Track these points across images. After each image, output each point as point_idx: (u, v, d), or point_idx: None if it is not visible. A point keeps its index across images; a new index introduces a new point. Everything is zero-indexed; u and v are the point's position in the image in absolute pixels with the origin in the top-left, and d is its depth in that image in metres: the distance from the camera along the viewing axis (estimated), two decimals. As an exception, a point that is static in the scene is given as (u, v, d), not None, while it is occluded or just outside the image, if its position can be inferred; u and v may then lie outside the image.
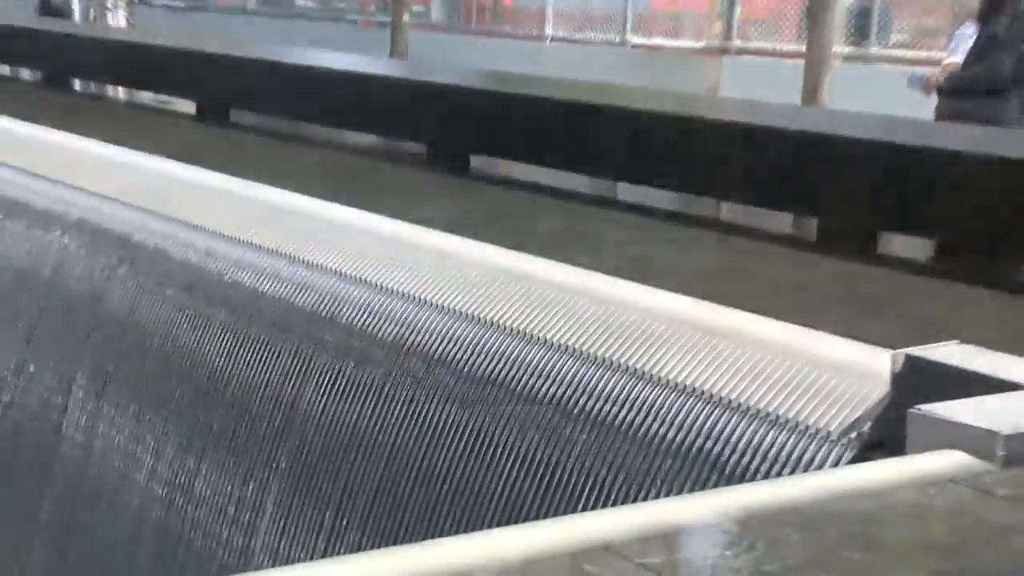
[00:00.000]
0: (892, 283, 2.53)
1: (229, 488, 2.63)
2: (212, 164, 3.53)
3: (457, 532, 2.12)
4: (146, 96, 5.79)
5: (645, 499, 1.93)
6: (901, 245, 2.89)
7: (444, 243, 2.63)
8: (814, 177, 2.94)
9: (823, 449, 1.79)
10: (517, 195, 3.52)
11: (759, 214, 3.21)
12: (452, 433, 2.23)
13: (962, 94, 5.95)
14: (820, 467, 1.77)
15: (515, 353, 2.21)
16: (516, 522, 2.06)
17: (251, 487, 2.58)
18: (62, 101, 5.75)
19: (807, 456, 1.80)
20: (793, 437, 1.83)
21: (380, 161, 4.18)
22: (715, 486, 1.86)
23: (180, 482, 2.80)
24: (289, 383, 2.61)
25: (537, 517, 2.04)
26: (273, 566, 2.40)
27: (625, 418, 2.02)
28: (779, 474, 1.81)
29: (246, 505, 2.58)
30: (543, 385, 2.16)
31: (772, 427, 1.85)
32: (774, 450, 1.83)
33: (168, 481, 2.84)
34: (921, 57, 8.80)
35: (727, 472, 1.87)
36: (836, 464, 1.76)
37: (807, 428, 1.82)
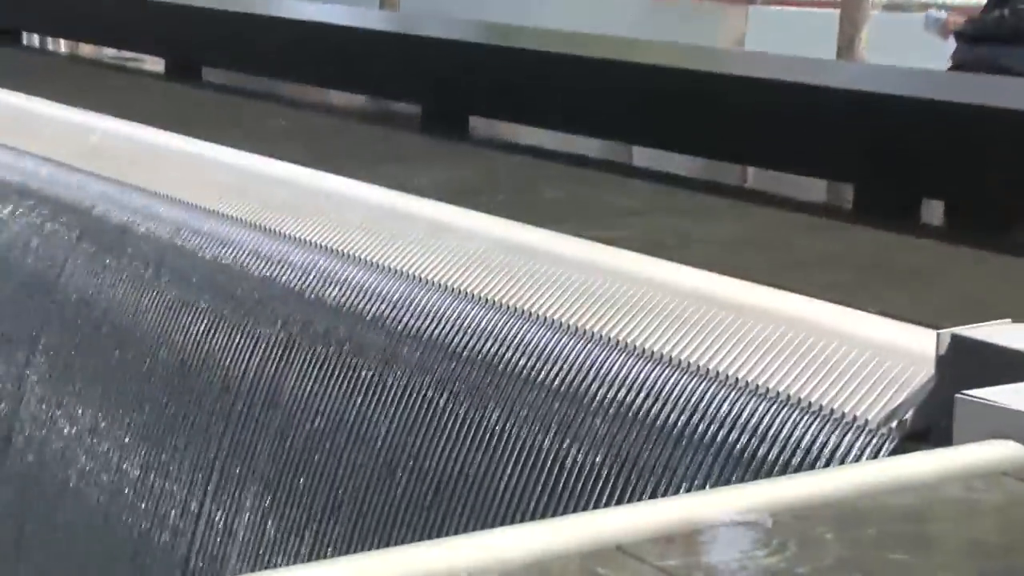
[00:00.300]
0: (938, 255, 2.53)
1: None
2: (180, 128, 3.52)
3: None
4: (108, 53, 5.78)
5: (661, 496, 1.93)
6: (949, 213, 2.88)
7: (435, 212, 2.65)
8: (852, 140, 2.93)
9: (860, 439, 1.79)
10: (521, 161, 3.52)
11: (789, 181, 3.20)
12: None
13: (982, 40, 5.91)
14: (857, 459, 1.77)
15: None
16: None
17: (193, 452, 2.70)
18: (7, 57, 5.73)
19: (842, 447, 1.80)
20: (827, 426, 1.83)
21: (369, 124, 4.18)
22: (740, 481, 1.86)
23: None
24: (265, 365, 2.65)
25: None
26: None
27: (639, 405, 2.03)
28: (811, 467, 1.81)
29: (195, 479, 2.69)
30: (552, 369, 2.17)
31: (803, 415, 1.85)
32: (806, 440, 1.84)
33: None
34: (969, 4, 8.77)
35: (753, 466, 1.87)
36: (875, 456, 1.76)
37: (842, 416, 1.82)
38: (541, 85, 3.62)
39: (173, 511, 2.74)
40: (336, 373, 2.51)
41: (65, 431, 3.15)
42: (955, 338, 1.74)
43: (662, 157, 3.47)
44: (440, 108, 3.97)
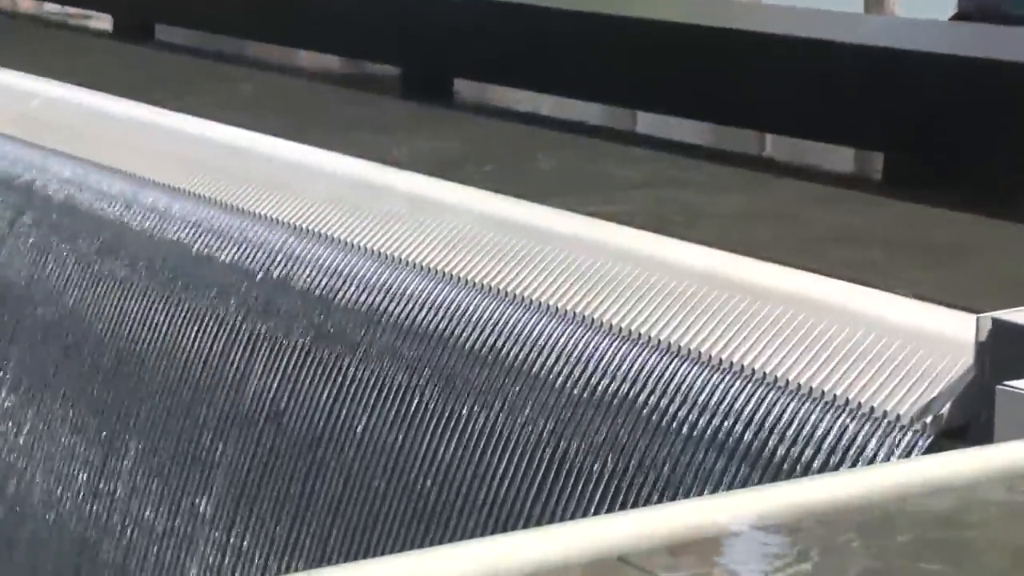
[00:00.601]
0: (976, 230, 2.52)
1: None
2: (130, 94, 3.51)
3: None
4: (50, 9, 5.76)
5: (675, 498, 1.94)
6: (987, 184, 2.88)
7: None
8: (882, 103, 2.93)
9: (890, 436, 1.79)
10: (512, 128, 3.51)
11: (813, 150, 3.20)
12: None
13: None
14: (887, 458, 1.77)
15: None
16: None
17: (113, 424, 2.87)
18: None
19: (870, 445, 1.80)
20: (853, 422, 1.83)
21: (343, 88, 4.17)
22: (757, 482, 1.86)
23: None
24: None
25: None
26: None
27: (644, 399, 2.03)
28: (836, 467, 1.81)
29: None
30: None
31: (828, 410, 1.85)
32: (831, 438, 1.83)
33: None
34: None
35: (772, 466, 1.87)
36: (907, 454, 1.76)
37: (870, 411, 1.82)
38: (534, 44, 3.61)
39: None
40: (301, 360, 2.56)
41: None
42: (996, 323, 1.74)
43: (669, 123, 3.46)
44: (422, 70, 3.97)
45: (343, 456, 2.41)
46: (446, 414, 2.28)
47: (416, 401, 2.33)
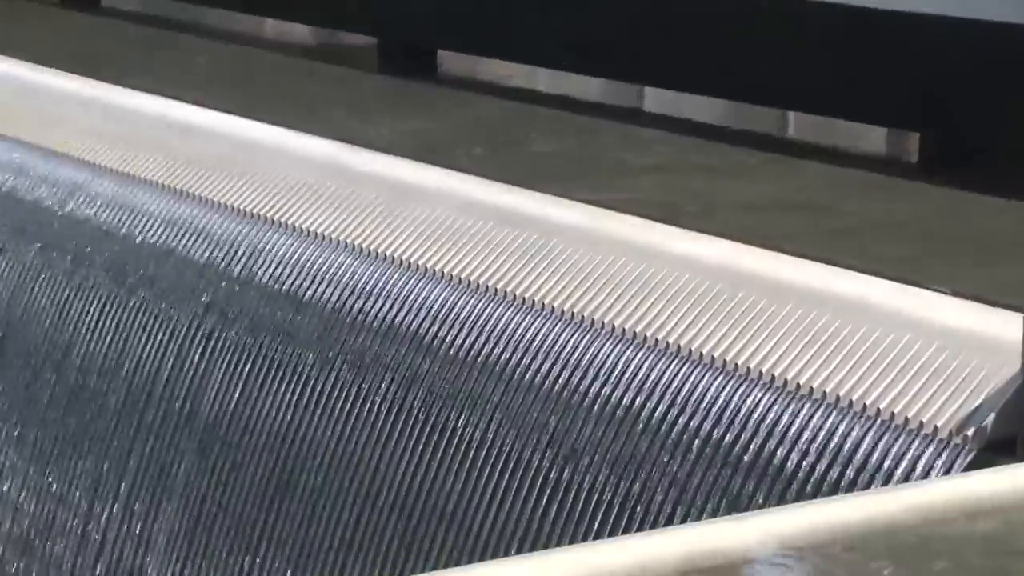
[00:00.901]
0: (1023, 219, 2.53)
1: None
2: (75, 68, 3.51)
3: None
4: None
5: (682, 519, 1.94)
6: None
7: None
8: (918, 76, 2.93)
9: (928, 451, 1.79)
10: (503, 107, 3.52)
11: (841, 129, 3.20)
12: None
13: None
14: (924, 476, 1.77)
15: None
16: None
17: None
18: None
19: (906, 460, 1.80)
20: (887, 435, 1.82)
21: (314, 61, 4.16)
22: (777, 502, 1.86)
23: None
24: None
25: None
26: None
27: (651, 409, 2.04)
28: (867, 486, 1.81)
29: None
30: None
31: (857, 421, 1.85)
32: (860, 453, 1.83)
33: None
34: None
35: (794, 483, 1.87)
36: (946, 471, 1.76)
37: (906, 423, 1.82)
38: (529, 11, 3.61)
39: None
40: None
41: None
42: (1047, 323, 1.75)
43: (681, 101, 3.46)
44: (401, 41, 3.96)
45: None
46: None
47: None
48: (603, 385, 2.12)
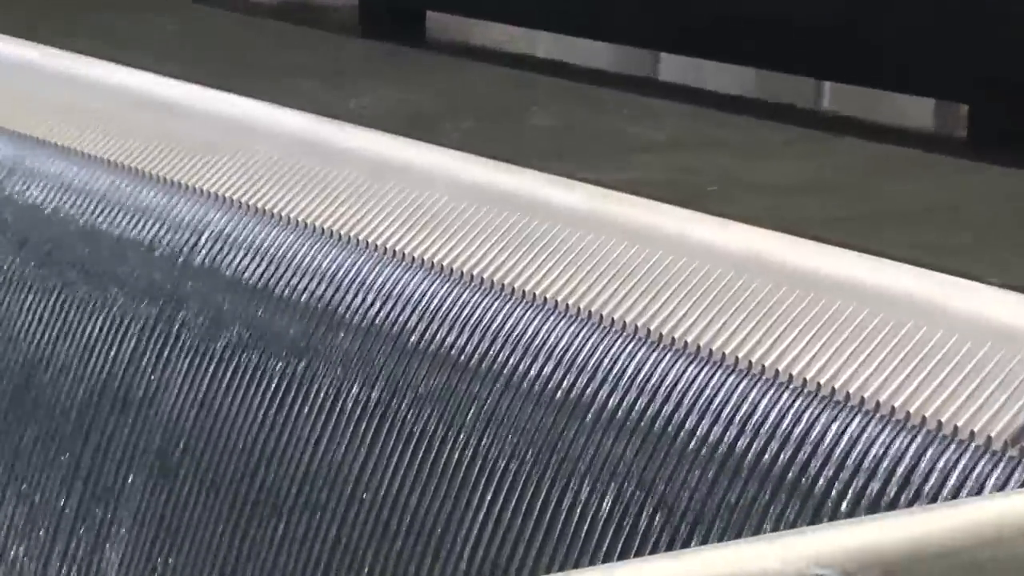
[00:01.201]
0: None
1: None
2: (21, 31, 3.52)
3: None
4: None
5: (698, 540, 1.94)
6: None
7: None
8: (967, 44, 2.93)
9: (980, 464, 1.78)
10: (499, 74, 3.52)
11: (882, 101, 3.20)
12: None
13: None
14: (975, 492, 1.77)
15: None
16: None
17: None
18: None
19: (955, 475, 1.79)
20: (933, 446, 1.82)
21: (288, 23, 4.17)
22: (808, 521, 1.86)
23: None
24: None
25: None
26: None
27: (667, 416, 2.04)
28: (911, 503, 1.81)
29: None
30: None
31: (899, 431, 1.85)
32: (903, 467, 1.83)
33: None
34: None
35: (831, 500, 1.87)
36: (1000, 487, 1.76)
37: (954, 432, 1.82)
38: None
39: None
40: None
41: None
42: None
43: (701, 69, 3.46)
44: (385, 1, 3.97)
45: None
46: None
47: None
48: (612, 389, 2.13)
